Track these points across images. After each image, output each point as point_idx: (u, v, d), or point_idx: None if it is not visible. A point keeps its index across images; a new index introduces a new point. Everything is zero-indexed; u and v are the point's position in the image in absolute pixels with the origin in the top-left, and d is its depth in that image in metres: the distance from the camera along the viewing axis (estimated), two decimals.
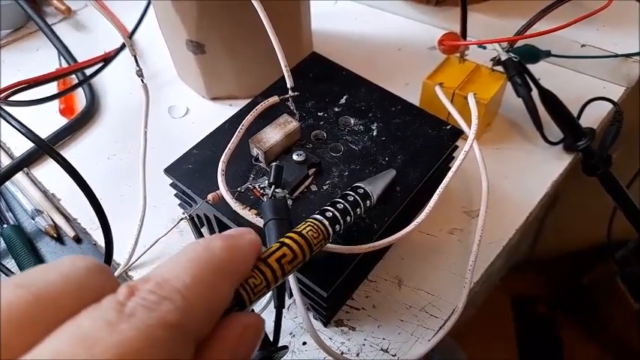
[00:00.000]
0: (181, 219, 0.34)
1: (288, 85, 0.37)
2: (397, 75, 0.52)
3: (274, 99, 0.37)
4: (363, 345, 0.35)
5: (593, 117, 0.47)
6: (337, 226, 0.28)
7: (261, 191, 0.34)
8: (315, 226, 0.25)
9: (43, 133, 0.47)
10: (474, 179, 0.42)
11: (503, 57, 0.44)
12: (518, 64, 0.43)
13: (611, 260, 1.01)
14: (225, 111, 0.50)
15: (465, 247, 0.40)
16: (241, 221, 0.33)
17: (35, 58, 0.56)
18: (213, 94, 0.50)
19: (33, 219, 0.45)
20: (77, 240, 0.44)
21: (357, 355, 0.34)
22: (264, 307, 0.33)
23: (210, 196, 0.32)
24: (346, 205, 0.29)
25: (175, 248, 0.40)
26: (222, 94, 0.50)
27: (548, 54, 0.47)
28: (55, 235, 0.44)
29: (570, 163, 0.45)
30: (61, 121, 0.48)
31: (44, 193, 0.47)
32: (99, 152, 0.47)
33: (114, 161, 0.47)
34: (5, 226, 0.44)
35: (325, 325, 0.36)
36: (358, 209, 0.30)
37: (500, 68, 0.45)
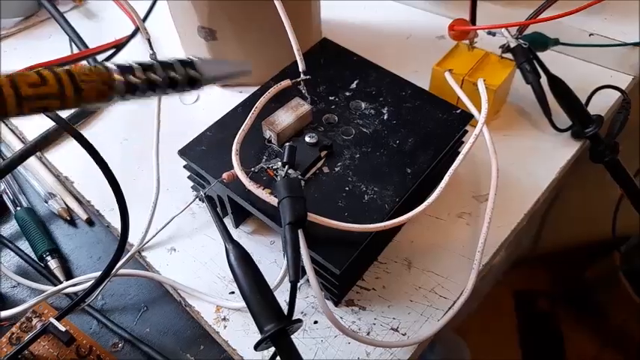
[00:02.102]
0: (196, 197, 0.34)
1: (300, 69, 0.38)
2: (406, 63, 0.52)
3: (286, 82, 0.38)
4: (374, 324, 0.35)
5: (601, 105, 0.47)
6: (130, 76, 0.21)
7: (275, 171, 0.34)
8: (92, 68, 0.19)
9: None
10: (483, 164, 0.43)
11: (512, 44, 0.44)
12: (527, 50, 0.43)
13: (615, 255, 1.01)
14: (235, 98, 0.50)
15: (473, 230, 0.40)
16: (254, 200, 0.34)
17: (47, 45, 0.57)
18: (223, 81, 0.51)
19: (46, 202, 0.46)
20: (89, 222, 0.45)
21: (368, 333, 0.35)
22: (277, 285, 0.34)
23: (225, 175, 0.33)
24: (156, 62, 0.23)
25: (188, 230, 0.41)
26: (233, 80, 0.51)
27: (556, 42, 0.48)
28: (68, 217, 0.45)
29: (578, 150, 0.45)
30: None
31: (57, 176, 0.47)
32: (111, 137, 0.48)
33: (126, 145, 0.47)
34: (19, 208, 0.45)
35: (336, 304, 0.36)
36: (172, 72, 0.23)
37: (509, 55, 0.45)
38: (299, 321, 0.28)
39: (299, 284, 0.37)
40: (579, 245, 1.07)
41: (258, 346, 0.27)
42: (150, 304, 0.40)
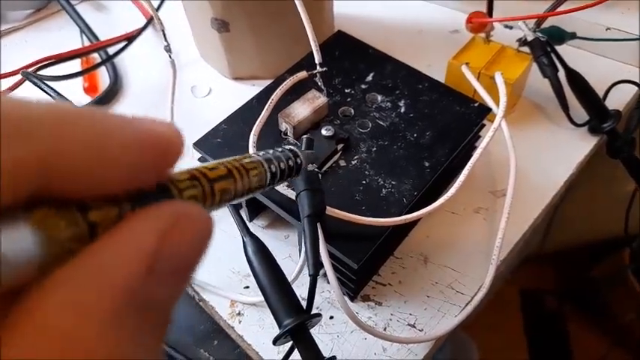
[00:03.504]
0: None
1: (317, 61, 0.37)
2: (419, 57, 0.51)
3: (303, 74, 0.37)
4: (390, 320, 0.35)
5: (618, 100, 0.47)
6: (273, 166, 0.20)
7: None
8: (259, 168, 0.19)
9: None
10: (498, 159, 0.42)
11: (530, 37, 0.44)
12: (545, 44, 0.43)
13: (623, 253, 1.00)
14: (247, 91, 0.50)
15: (490, 225, 0.40)
16: (271, 193, 0.33)
17: (58, 37, 0.56)
18: (236, 74, 0.50)
19: None
20: None
21: (384, 329, 0.34)
22: (295, 277, 0.33)
23: None
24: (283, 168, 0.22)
25: None
26: (245, 73, 0.50)
27: (573, 36, 0.47)
28: None
29: (595, 145, 0.44)
30: (86, 100, 0.48)
31: None
32: None
33: None
34: None
35: (352, 299, 0.36)
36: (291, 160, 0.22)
37: (525, 49, 0.45)
38: (318, 315, 0.27)
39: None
40: (587, 243, 1.06)
41: (277, 341, 0.27)
42: None
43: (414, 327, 0.34)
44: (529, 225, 0.39)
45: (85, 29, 0.53)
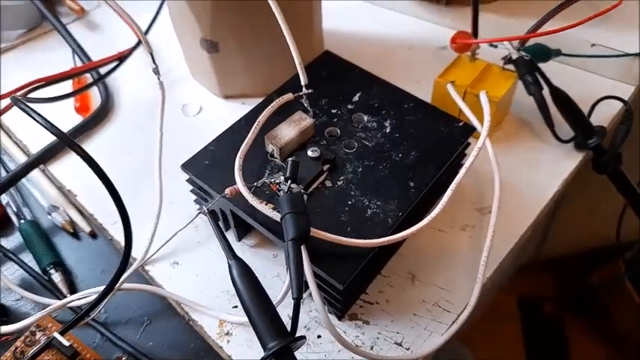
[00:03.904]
0: (199, 213, 0.34)
1: (302, 83, 0.38)
2: (408, 73, 0.52)
3: (289, 96, 0.38)
4: (377, 339, 0.35)
5: (604, 116, 0.47)
6: None
7: (278, 186, 0.34)
8: None
9: (61, 129, 0.47)
10: (485, 177, 0.43)
11: (515, 55, 0.44)
12: (529, 62, 0.43)
13: (619, 261, 1.00)
14: (238, 109, 0.51)
15: (476, 243, 0.40)
16: (257, 215, 0.34)
17: (50, 57, 0.57)
18: (226, 93, 0.51)
19: (49, 214, 0.46)
20: (93, 235, 0.45)
21: (371, 348, 0.35)
22: (280, 300, 0.34)
23: (227, 191, 0.33)
24: None
25: (191, 243, 0.41)
26: (235, 92, 0.51)
27: (558, 53, 0.48)
28: (71, 230, 0.45)
29: (581, 161, 0.45)
30: (77, 119, 0.49)
31: (60, 189, 0.47)
32: (114, 149, 0.48)
33: (129, 158, 0.47)
34: (22, 221, 0.45)
35: (339, 318, 0.36)
36: None
37: (511, 67, 0.46)
38: (302, 338, 0.28)
39: (302, 298, 0.37)
40: (583, 251, 1.06)
41: None
42: (153, 318, 0.40)
43: (401, 346, 0.35)
44: (515, 242, 0.40)
45: (77, 49, 0.54)
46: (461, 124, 0.39)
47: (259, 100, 0.50)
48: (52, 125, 0.32)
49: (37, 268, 0.43)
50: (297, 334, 0.28)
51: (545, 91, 0.45)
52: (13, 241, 0.46)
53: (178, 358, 0.38)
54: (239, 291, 0.29)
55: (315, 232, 0.31)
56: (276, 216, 0.32)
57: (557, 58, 0.50)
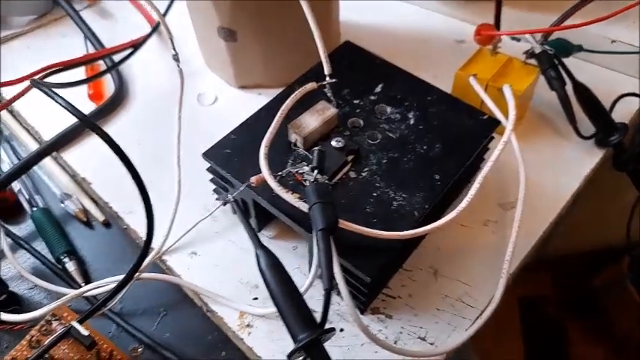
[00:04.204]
0: (223, 202, 0.33)
1: (326, 71, 0.37)
2: (425, 67, 0.51)
3: (312, 85, 0.37)
4: (401, 333, 0.35)
5: (623, 113, 0.47)
6: None
7: (302, 176, 0.33)
8: None
9: (74, 117, 0.47)
10: (507, 171, 0.42)
11: (537, 50, 0.44)
12: (553, 56, 0.43)
13: (622, 262, 1.00)
14: (253, 100, 0.50)
15: (499, 238, 0.39)
16: (281, 205, 0.33)
17: (61, 44, 0.56)
18: (242, 83, 0.50)
19: (62, 203, 0.45)
20: (106, 224, 0.44)
21: (395, 342, 0.34)
22: (305, 290, 0.33)
23: (253, 179, 0.32)
24: None
25: (208, 233, 0.40)
26: (251, 82, 0.50)
27: (580, 48, 0.47)
28: (84, 219, 0.44)
29: (602, 158, 0.45)
30: (91, 107, 0.48)
31: (72, 177, 0.46)
32: (128, 138, 0.47)
33: (144, 147, 0.47)
34: (35, 208, 0.44)
35: (362, 312, 0.36)
36: None
37: (532, 61, 0.45)
38: (332, 330, 0.27)
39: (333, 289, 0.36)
40: (589, 251, 1.06)
41: (291, 356, 0.26)
42: (169, 309, 0.39)
43: (425, 340, 0.34)
44: (538, 237, 0.39)
45: (90, 36, 0.53)
46: (485, 117, 0.38)
47: (275, 91, 0.50)
48: (74, 107, 0.31)
49: (49, 257, 0.42)
50: (327, 327, 0.28)
51: (568, 87, 0.44)
52: (24, 229, 0.45)
53: (196, 350, 0.37)
54: (267, 281, 0.29)
55: (344, 224, 0.30)
56: (303, 206, 0.31)
57: (577, 55, 0.49)
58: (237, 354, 0.37)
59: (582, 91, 0.44)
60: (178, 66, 0.40)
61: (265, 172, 0.32)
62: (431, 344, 0.34)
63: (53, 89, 0.35)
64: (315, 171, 0.32)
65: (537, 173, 0.43)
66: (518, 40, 0.45)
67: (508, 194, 0.42)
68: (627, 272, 1.00)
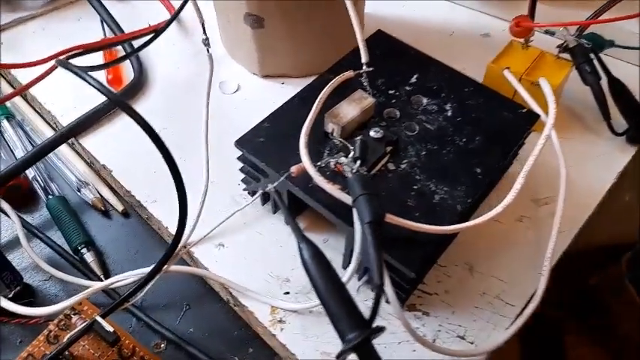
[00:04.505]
0: (262, 192, 0.32)
1: (364, 60, 0.36)
2: (452, 60, 0.50)
3: (349, 73, 0.36)
4: (439, 331, 0.34)
5: None
6: None
7: (343, 167, 0.32)
8: None
9: (93, 102, 0.45)
10: (540, 166, 0.41)
11: (572, 43, 0.43)
12: (590, 50, 0.42)
13: (621, 261, 1.00)
14: (277, 89, 0.48)
15: (534, 235, 0.39)
16: (319, 196, 0.32)
17: (77, 28, 0.54)
18: (266, 72, 0.49)
19: (78, 191, 0.43)
20: (125, 214, 0.43)
21: (434, 341, 0.33)
22: (358, 277, 0.32)
23: (293, 169, 0.31)
24: None
25: (236, 225, 0.39)
26: (276, 71, 0.49)
27: (611, 44, 0.47)
28: (102, 207, 0.42)
29: (635, 154, 0.44)
30: None
31: (89, 165, 0.45)
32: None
33: (165, 134, 0.44)
34: (50, 197, 0.42)
35: None
36: None
37: (565, 55, 0.44)
38: (382, 328, 0.26)
39: (358, 286, 0.35)
40: (584, 251, 1.06)
41: (340, 356, 0.25)
42: (192, 303, 0.38)
43: (464, 339, 0.33)
44: (574, 235, 0.39)
45: (109, 19, 0.51)
46: (524, 110, 0.37)
47: (298, 81, 0.49)
48: (104, 86, 0.29)
49: (65, 247, 0.40)
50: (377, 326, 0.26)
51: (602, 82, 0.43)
52: (38, 218, 0.43)
53: (221, 346, 0.36)
54: (312, 276, 0.27)
55: (389, 218, 0.29)
56: (345, 198, 0.30)
57: (605, 51, 0.48)
58: (265, 350, 0.36)
59: (617, 86, 0.43)
60: (208, 51, 0.39)
61: (306, 161, 0.31)
62: (471, 343, 0.33)
63: (68, 76, 0.34)
64: (358, 161, 0.31)
65: (570, 169, 0.42)
66: (553, 33, 0.44)
67: (541, 190, 0.41)
68: (626, 272, 1.00)
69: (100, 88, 0.30)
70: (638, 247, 0.97)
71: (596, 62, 0.43)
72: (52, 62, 0.35)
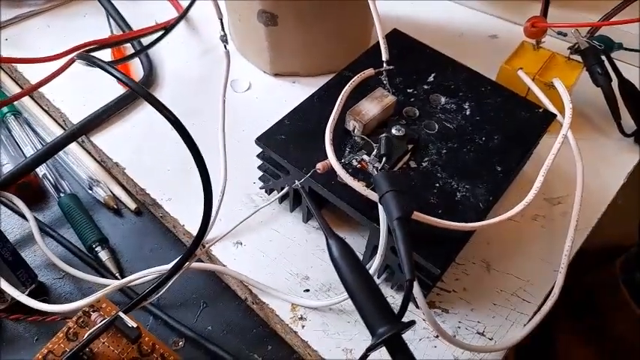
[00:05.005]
0: (289, 188, 0.32)
1: (384, 58, 0.36)
2: (461, 60, 0.51)
3: (370, 71, 0.36)
4: (458, 327, 0.34)
5: None
6: None
7: (367, 163, 0.32)
8: None
9: (102, 100, 0.45)
10: (553, 166, 0.42)
11: (584, 45, 0.43)
12: (601, 52, 0.42)
13: (615, 263, 1.01)
14: (288, 88, 0.48)
15: (549, 233, 0.39)
16: (343, 193, 0.32)
17: (82, 24, 0.54)
18: (277, 70, 0.49)
19: (90, 189, 0.43)
20: (137, 212, 0.42)
21: (454, 337, 0.33)
22: (377, 275, 0.32)
23: (319, 166, 0.31)
24: None
25: (254, 222, 0.38)
26: (287, 70, 0.49)
27: (620, 46, 0.47)
28: (114, 206, 0.42)
29: None
30: (119, 90, 0.46)
31: (100, 163, 0.44)
32: (161, 123, 0.45)
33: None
34: (62, 194, 0.42)
35: (417, 306, 0.35)
36: None
37: (576, 57, 0.45)
38: (412, 323, 0.26)
39: (378, 282, 0.35)
40: (578, 252, 1.07)
41: (370, 350, 0.25)
42: (209, 301, 0.38)
43: (484, 335, 0.33)
44: (587, 233, 0.39)
45: (116, 16, 0.51)
46: (541, 110, 0.38)
47: (310, 80, 0.49)
48: (127, 77, 0.29)
49: (79, 245, 0.40)
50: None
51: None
52: (49, 216, 0.43)
53: (240, 344, 0.36)
54: (342, 272, 0.27)
55: (415, 215, 0.29)
56: (372, 195, 0.30)
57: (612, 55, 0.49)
58: (284, 348, 0.36)
59: (628, 88, 0.43)
60: (225, 47, 0.39)
61: (332, 158, 0.31)
62: (490, 339, 0.33)
63: (80, 72, 0.33)
64: (384, 159, 0.31)
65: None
66: (565, 35, 0.44)
67: (554, 189, 0.41)
68: (620, 274, 1.01)
69: (124, 79, 0.30)
70: (632, 250, 0.98)
71: (607, 64, 0.43)
72: (67, 58, 0.35)
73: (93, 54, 0.40)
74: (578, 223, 0.37)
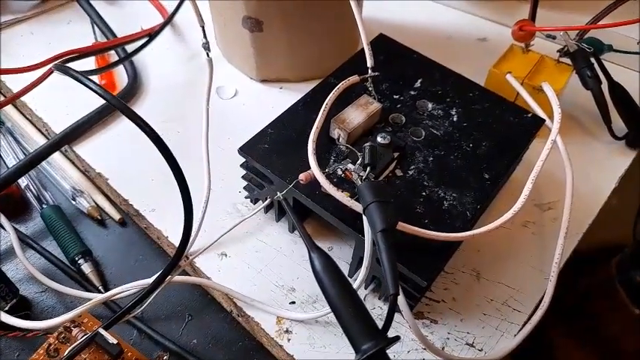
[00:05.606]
0: (271, 200, 0.31)
1: (369, 64, 0.36)
2: (450, 64, 0.50)
3: (355, 78, 0.35)
4: (447, 339, 0.33)
5: None
6: None
7: (352, 173, 0.31)
8: None
9: (86, 108, 0.44)
10: (542, 171, 0.41)
11: (573, 48, 0.43)
12: (591, 54, 0.42)
13: (610, 263, 1.01)
14: (275, 94, 0.48)
15: (539, 240, 0.38)
16: (326, 204, 0.31)
17: (66, 31, 0.53)
18: (264, 76, 0.48)
19: (73, 200, 0.42)
20: (122, 223, 0.42)
21: (442, 348, 0.33)
22: (364, 285, 0.31)
23: (302, 176, 0.30)
24: None
25: (239, 233, 0.38)
26: (273, 76, 0.48)
27: (610, 48, 0.47)
28: (98, 217, 0.41)
29: (635, 158, 0.44)
30: (102, 99, 0.45)
31: (84, 173, 0.44)
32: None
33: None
34: (44, 206, 0.41)
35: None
36: None
37: (565, 60, 0.44)
38: (397, 338, 0.25)
39: (364, 295, 0.35)
40: (573, 252, 1.07)
41: None
42: (195, 313, 0.37)
43: (473, 346, 0.33)
44: (578, 240, 0.39)
45: (100, 23, 0.50)
46: (529, 115, 0.37)
47: (296, 85, 0.48)
48: (104, 90, 0.29)
49: (62, 258, 0.39)
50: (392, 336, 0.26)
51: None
52: (31, 227, 0.42)
53: (226, 357, 0.35)
54: (324, 286, 0.27)
55: (400, 225, 0.29)
56: (356, 206, 0.29)
57: (602, 57, 0.49)
58: None
59: (618, 90, 0.43)
60: (208, 55, 0.38)
61: (315, 169, 0.30)
62: (480, 350, 0.33)
63: (62, 80, 0.33)
64: (368, 168, 0.30)
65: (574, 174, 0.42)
66: (554, 37, 0.44)
67: (544, 195, 0.41)
68: (616, 275, 1.01)
69: (100, 92, 0.29)
70: (627, 251, 0.97)
71: (596, 66, 0.43)
72: (46, 68, 0.34)
73: (76, 62, 0.40)
74: (568, 229, 0.36)
